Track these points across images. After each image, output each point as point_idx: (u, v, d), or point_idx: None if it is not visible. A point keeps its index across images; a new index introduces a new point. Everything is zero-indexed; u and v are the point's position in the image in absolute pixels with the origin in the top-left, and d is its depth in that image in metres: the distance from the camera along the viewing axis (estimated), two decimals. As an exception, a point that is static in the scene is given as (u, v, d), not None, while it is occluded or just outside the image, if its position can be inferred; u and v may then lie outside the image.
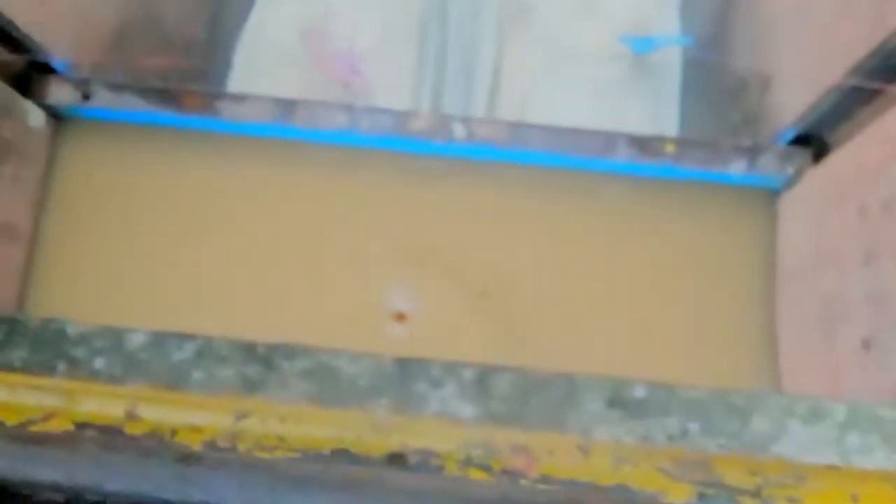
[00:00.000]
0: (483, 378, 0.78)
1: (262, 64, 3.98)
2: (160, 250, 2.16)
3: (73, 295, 2.07)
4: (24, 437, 0.75)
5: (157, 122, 2.31)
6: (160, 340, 0.77)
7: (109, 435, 0.76)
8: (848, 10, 2.10)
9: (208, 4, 3.74)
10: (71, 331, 0.78)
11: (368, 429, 0.76)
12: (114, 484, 0.72)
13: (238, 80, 4.12)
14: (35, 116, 2.25)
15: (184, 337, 0.77)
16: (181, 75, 3.44)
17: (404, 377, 0.78)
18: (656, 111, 4.09)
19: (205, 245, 2.15)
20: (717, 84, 3.31)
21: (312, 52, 3.84)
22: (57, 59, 2.33)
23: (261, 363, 0.77)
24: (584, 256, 2.18)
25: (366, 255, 2.12)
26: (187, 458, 0.74)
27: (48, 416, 0.76)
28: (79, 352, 0.77)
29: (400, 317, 2.04)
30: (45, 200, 2.24)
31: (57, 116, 2.33)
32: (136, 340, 0.77)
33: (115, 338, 0.76)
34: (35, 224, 2.21)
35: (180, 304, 2.02)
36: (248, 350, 0.77)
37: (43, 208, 2.24)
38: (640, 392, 0.79)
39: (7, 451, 0.75)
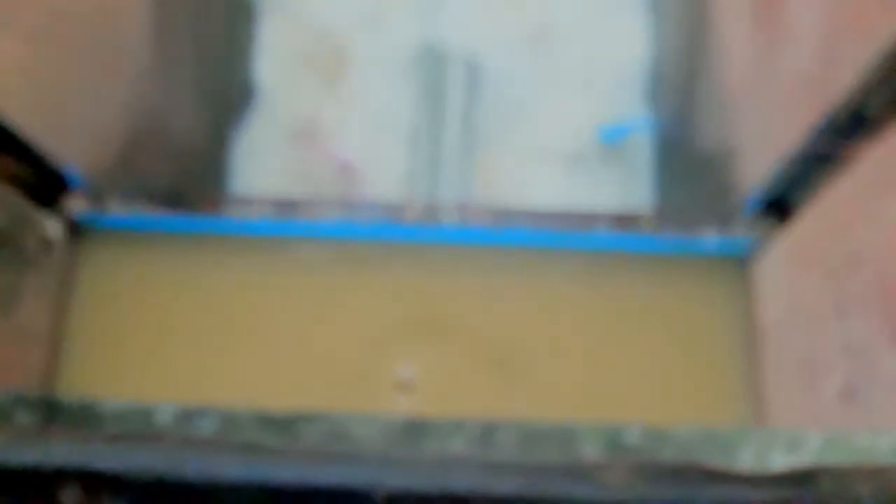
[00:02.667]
0: (489, 433, 0.80)
1: (260, 165, 4.08)
2: (177, 347, 2.18)
3: (92, 389, 2.08)
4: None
5: (167, 228, 2.36)
6: (186, 415, 0.79)
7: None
8: (801, 83, 2.19)
9: (212, 114, 3.86)
10: (104, 410, 0.79)
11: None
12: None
13: (240, 182, 4.22)
14: (54, 228, 2.30)
15: (207, 411, 0.79)
16: (188, 181, 3.52)
17: (414, 437, 0.80)
18: (630, 189, 4.19)
19: (219, 336, 2.17)
20: (685, 159, 3.39)
21: (306, 151, 3.95)
22: (73, 173, 2.40)
23: (279, 431, 0.78)
24: (574, 325, 2.21)
25: (368, 336, 2.15)
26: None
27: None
28: (112, 428, 0.78)
29: (405, 387, 2.07)
30: (65, 306, 2.27)
31: (75, 227, 2.38)
32: (164, 416, 0.79)
33: (144, 414, 0.77)
34: (55, 328, 2.23)
35: (197, 396, 2.02)
36: (267, 420, 0.78)
37: (63, 313, 2.26)
38: (634, 437, 0.81)
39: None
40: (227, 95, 4.27)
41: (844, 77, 1.96)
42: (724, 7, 2.98)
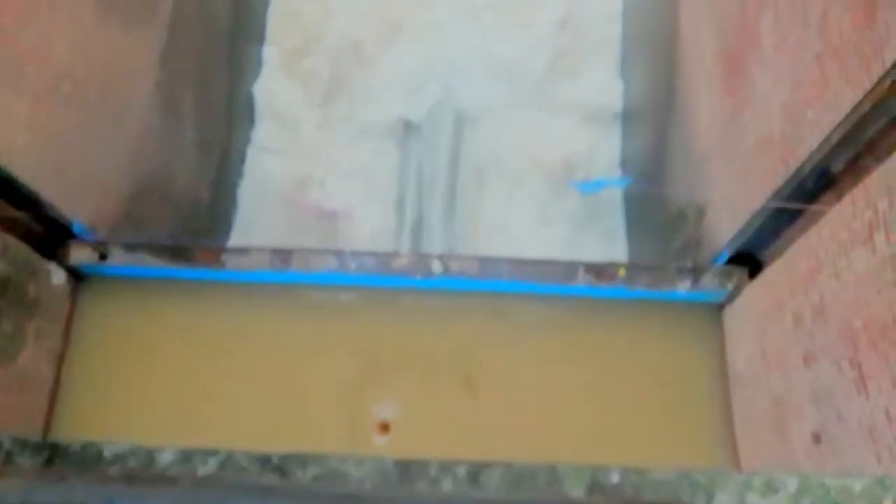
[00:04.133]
0: (475, 474, 0.79)
1: (258, 219, 4.11)
2: (173, 390, 2.16)
3: (91, 433, 2.05)
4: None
5: (168, 277, 2.35)
6: (187, 456, 0.78)
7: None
8: (767, 143, 2.24)
9: (212, 168, 3.88)
10: (107, 452, 0.79)
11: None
12: None
13: (239, 234, 4.24)
14: (57, 276, 2.28)
15: (207, 452, 0.78)
16: (189, 231, 3.53)
17: (405, 477, 0.79)
18: (606, 241, 4.24)
19: (215, 381, 2.16)
20: (658, 214, 3.44)
21: (297, 206, 3.98)
22: (76, 223, 2.39)
23: (276, 472, 0.78)
24: (553, 370, 2.21)
25: (354, 375, 2.15)
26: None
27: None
28: (114, 470, 0.77)
29: (384, 427, 2.08)
30: (67, 351, 2.25)
31: (77, 275, 2.37)
32: (165, 457, 0.78)
33: (145, 456, 0.77)
34: (57, 372, 2.21)
35: (193, 438, 2.00)
36: (264, 461, 0.78)
37: (65, 358, 2.24)
38: (615, 477, 0.81)
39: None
40: (228, 150, 4.27)
41: (809, 139, 2.00)
42: (693, 72, 3.05)
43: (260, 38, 4.71)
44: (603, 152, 4.25)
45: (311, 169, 4.21)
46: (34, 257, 2.21)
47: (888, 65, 1.76)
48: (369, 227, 3.94)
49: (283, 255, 2.33)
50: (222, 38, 4.07)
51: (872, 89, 1.81)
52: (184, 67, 3.52)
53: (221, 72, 4.07)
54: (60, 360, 2.25)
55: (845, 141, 1.91)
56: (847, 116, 1.90)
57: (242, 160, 4.30)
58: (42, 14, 2.39)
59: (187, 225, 3.49)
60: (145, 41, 3.13)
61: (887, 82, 1.76)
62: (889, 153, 1.73)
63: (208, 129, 3.86)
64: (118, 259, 2.34)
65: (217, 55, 4.01)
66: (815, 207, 1.97)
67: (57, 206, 2.33)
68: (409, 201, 4.16)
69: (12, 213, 2.17)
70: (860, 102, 1.86)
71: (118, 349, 2.24)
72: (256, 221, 4.07)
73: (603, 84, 4.39)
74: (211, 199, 3.83)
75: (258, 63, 4.55)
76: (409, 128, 4.33)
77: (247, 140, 4.40)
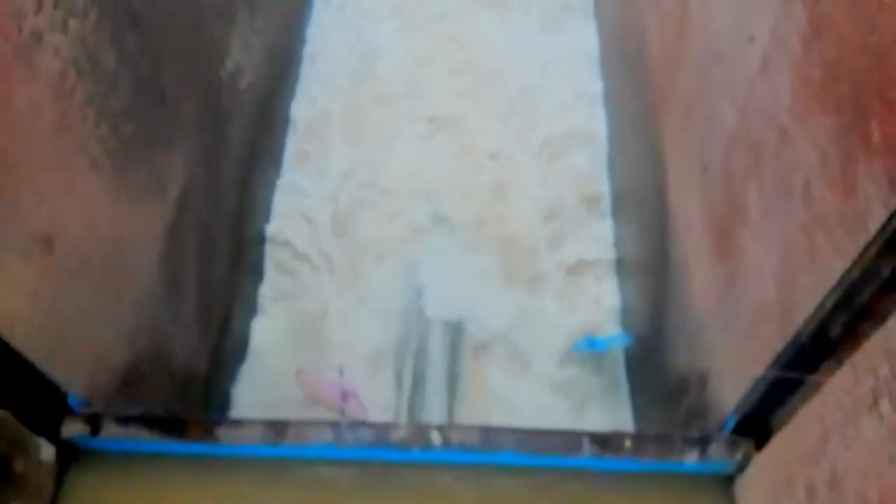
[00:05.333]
0: None
1: (260, 398, 4.06)
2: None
3: None
4: None
5: (160, 452, 2.27)
6: None
7: None
8: (763, 310, 2.24)
9: (211, 340, 3.87)
10: None
11: None
12: None
13: (238, 410, 4.17)
14: (46, 452, 2.21)
15: None
16: (186, 404, 3.45)
17: None
18: (610, 410, 4.15)
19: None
20: (661, 382, 3.39)
21: (305, 387, 3.94)
22: (72, 395, 2.35)
23: None
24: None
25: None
26: None
27: None
28: None
29: None
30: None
31: (68, 449, 2.29)
32: None
33: None
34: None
35: None
36: None
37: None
38: None
39: None
40: (229, 322, 4.28)
41: (804, 306, 2.00)
42: (686, 241, 3.11)
43: (266, 216, 4.88)
44: (604, 320, 4.28)
45: (314, 349, 4.24)
46: (25, 432, 2.15)
47: (872, 233, 1.80)
48: (369, 398, 3.90)
49: (277, 428, 2.26)
50: (228, 216, 4.19)
51: (860, 256, 1.84)
52: (188, 242, 3.60)
53: (225, 248, 4.16)
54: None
55: (840, 307, 1.92)
56: (838, 283, 1.91)
57: (245, 335, 4.32)
58: (56, 193, 2.47)
59: (186, 397, 3.42)
60: (153, 217, 3.22)
61: (873, 250, 1.79)
62: (884, 318, 1.73)
63: (210, 300, 3.88)
64: (110, 432, 2.27)
65: (222, 231, 4.11)
66: (815, 376, 1.93)
67: (54, 377, 2.30)
68: (408, 369, 4.14)
69: (8, 383, 2.14)
70: (849, 269, 1.88)
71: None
72: (257, 402, 4.02)
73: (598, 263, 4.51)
74: (209, 372, 3.78)
75: (262, 242, 4.68)
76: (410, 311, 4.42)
77: (249, 315, 4.43)
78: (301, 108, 5.41)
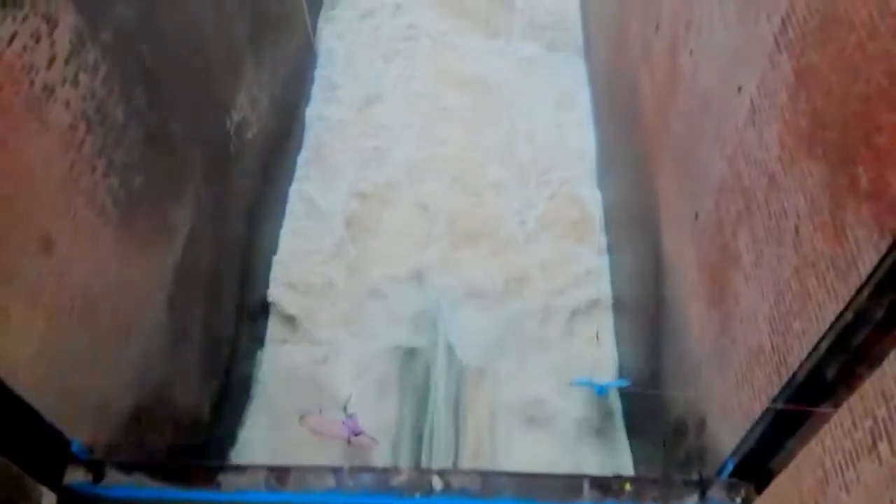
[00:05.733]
0: None
1: (265, 440, 4.04)
2: None
3: None
4: None
5: (164, 498, 2.26)
6: None
7: None
8: (756, 355, 2.25)
9: (216, 384, 3.85)
10: None
11: None
12: None
13: (244, 452, 4.14)
14: (47, 499, 2.19)
15: None
16: (189, 451, 3.42)
17: None
18: (609, 454, 4.12)
19: None
20: (658, 424, 3.37)
21: (311, 428, 3.92)
22: (75, 442, 2.34)
23: None
24: None
25: None
26: None
27: None
28: None
29: None
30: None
31: (69, 496, 2.27)
32: None
33: None
34: None
35: None
36: None
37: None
38: None
39: None
40: (233, 365, 4.26)
41: (798, 349, 2.01)
42: (680, 285, 3.12)
43: (273, 249, 4.91)
44: (602, 370, 4.29)
45: (316, 393, 4.23)
46: (26, 480, 2.13)
47: (864, 277, 1.81)
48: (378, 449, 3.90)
49: (278, 474, 2.24)
50: (234, 262, 4.22)
51: (853, 299, 1.85)
52: (194, 288, 3.61)
53: (232, 300, 4.17)
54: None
55: (834, 350, 1.92)
56: (832, 326, 1.92)
57: (249, 378, 4.31)
58: (65, 240, 2.50)
59: (188, 445, 3.40)
60: (159, 265, 3.23)
61: (866, 293, 1.81)
62: (880, 360, 1.73)
63: (214, 347, 3.88)
64: (113, 479, 2.25)
65: (227, 277, 4.12)
66: (813, 420, 1.93)
67: (57, 424, 2.29)
68: (410, 414, 4.14)
69: (10, 430, 2.13)
70: (843, 312, 1.89)
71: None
72: (262, 446, 4.01)
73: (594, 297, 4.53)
74: (212, 418, 3.76)
75: (265, 285, 4.70)
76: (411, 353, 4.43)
77: (254, 358, 4.42)
78: (306, 156, 5.50)
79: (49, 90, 2.48)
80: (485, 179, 5.31)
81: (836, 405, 1.89)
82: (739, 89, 2.52)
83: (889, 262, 1.68)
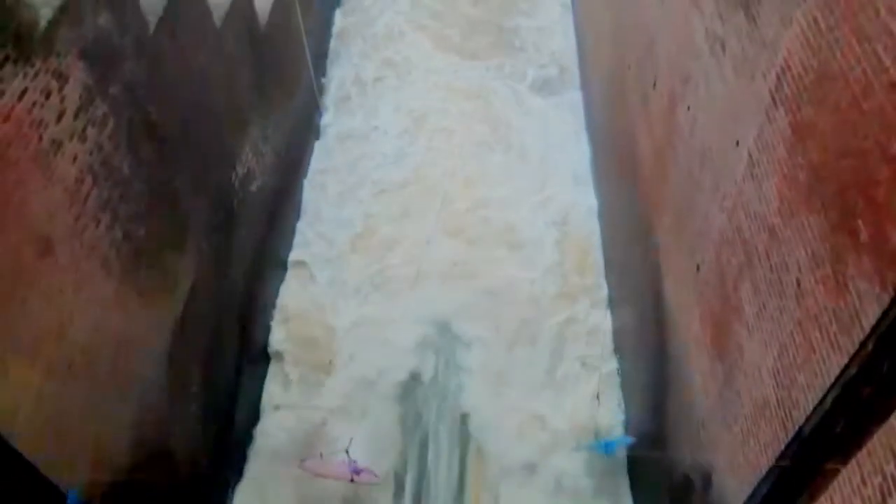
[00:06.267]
0: None
1: (263, 491, 3.96)
2: None
3: None
4: None
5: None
6: None
7: None
8: (761, 409, 2.21)
9: (215, 439, 3.79)
10: None
11: None
12: None
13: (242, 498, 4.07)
14: (40, 556, 2.13)
15: None
16: (185, 502, 3.34)
17: None
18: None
19: None
20: (664, 479, 3.29)
21: (313, 470, 3.86)
22: (72, 494, 2.29)
23: None
24: None
25: None
26: None
27: None
28: None
29: None
30: None
31: (62, 554, 2.20)
32: None
33: None
34: None
35: None
36: None
37: None
38: None
39: None
40: (232, 421, 4.19)
41: (804, 403, 1.97)
42: (684, 338, 3.08)
43: (273, 300, 4.88)
44: (607, 424, 4.22)
45: (314, 434, 4.17)
46: (19, 536, 2.08)
47: (867, 330, 1.79)
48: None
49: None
50: (235, 316, 4.19)
51: (857, 353, 1.82)
52: (195, 341, 3.58)
53: (230, 346, 4.13)
54: None
55: (840, 404, 1.88)
56: (837, 380, 1.89)
57: (248, 434, 4.25)
58: (67, 293, 2.48)
59: (185, 496, 3.32)
60: (161, 317, 3.21)
61: (870, 346, 1.78)
62: (887, 415, 1.70)
63: (213, 402, 3.83)
64: (108, 536, 2.19)
65: (228, 331, 4.09)
66: (820, 476, 1.88)
67: (54, 477, 2.25)
68: (411, 472, 4.07)
69: (5, 483, 2.09)
70: (847, 366, 1.86)
71: None
72: (258, 491, 3.94)
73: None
74: (211, 471, 3.69)
75: (267, 333, 4.66)
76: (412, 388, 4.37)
77: (253, 415, 4.36)
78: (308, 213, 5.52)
79: (57, 144, 2.50)
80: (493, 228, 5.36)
81: (845, 461, 1.84)
82: (737, 143, 2.54)
83: (892, 315, 1.66)
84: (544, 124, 6.10)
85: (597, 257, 5.02)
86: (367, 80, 6.52)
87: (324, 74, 6.59)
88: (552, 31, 7.06)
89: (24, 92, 2.30)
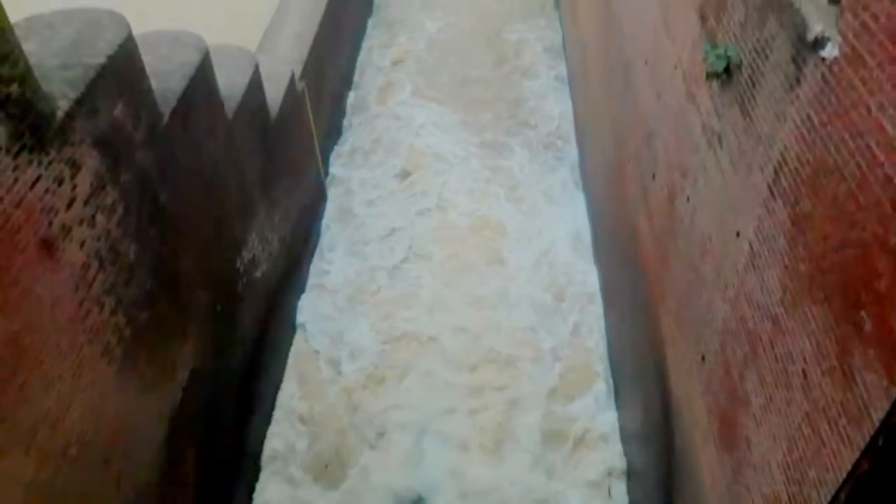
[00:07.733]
0: None
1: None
2: None
3: None
4: None
5: None
6: None
7: None
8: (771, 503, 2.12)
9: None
10: None
11: None
12: None
13: None
14: None
15: None
16: None
17: None
18: None
19: None
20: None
21: None
22: None
23: None
24: None
25: None
26: None
27: None
28: None
29: None
30: None
31: None
32: None
33: None
34: None
35: None
36: None
37: None
38: None
39: None
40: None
41: (816, 500, 1.89)
42: (691, 431, 3.00)
43: (275, 387, 4.78)
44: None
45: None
46: None
47: (877, 423, 1.73)
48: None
49: None
50: (234, 386, 4.10)
51: (868, 448, 1.76)
52: (192, 429, 3.50)
53: (228, 428, 4.04)
54: None
55: (854, 502, 1.81)
56: (849, 476, 1.82)
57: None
58: (66, 379, 2.43)
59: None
60: (159, 404, 3.14)
61: (881, 441, 1.72)
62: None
63: (210, 486, 3.71)
64: None
65: (225, 421, 4.00)
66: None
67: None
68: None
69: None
70: (859, 461, 1.79)
71: None
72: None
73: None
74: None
75: (271, 407, 4.57)
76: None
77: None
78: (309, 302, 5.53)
79: (66, 230, 2.50)
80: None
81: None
82: (738, 234, 2.53)
83: (902, 408, 1.61)
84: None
85: (600, 349, 4.97)
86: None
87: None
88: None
89: (37, 179, 2.31)
